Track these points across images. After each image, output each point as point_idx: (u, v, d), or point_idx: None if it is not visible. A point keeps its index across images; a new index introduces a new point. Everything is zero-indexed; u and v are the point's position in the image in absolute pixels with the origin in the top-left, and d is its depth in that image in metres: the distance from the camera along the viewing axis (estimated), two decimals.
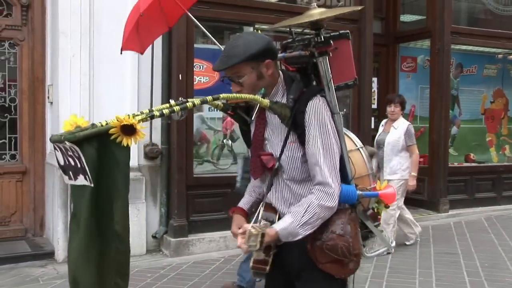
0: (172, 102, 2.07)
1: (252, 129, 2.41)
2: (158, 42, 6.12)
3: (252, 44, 2.22)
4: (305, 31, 2.46)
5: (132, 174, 5.91)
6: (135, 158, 6.03)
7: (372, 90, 8.12)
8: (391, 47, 9.01)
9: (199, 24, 3.62)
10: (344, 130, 2.54)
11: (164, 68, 6.22)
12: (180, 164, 6.14)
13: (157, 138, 6.19)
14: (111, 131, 1.92)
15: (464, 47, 9.03)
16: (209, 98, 2.13)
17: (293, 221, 2.15)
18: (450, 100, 8.65)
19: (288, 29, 2.54)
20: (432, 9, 8.33)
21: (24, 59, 6.29)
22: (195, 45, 6.35)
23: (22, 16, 6.22)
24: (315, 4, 2.41)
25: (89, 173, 1.94)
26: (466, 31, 8.72)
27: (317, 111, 2.20)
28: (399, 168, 6.17)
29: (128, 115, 1.95)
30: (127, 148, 1.96)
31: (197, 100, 2.10)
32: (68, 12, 5.79)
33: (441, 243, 6.72)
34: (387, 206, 2.54)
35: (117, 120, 1.91)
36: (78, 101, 5.69)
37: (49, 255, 5.86)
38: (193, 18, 3.63)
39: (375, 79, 8.55)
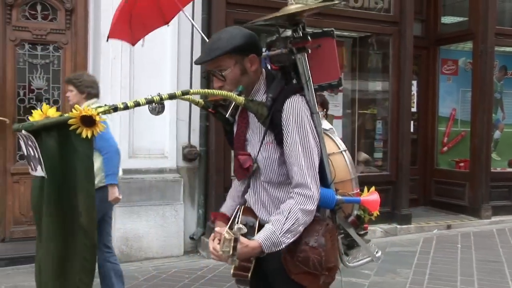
0: (148, 97, 2.02)
1: (235, 129, 2.32)
2: (197, 43, 6.14)
3: (236, 37, 2.13)
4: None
5: (170, 176, 6.04)
6: (174, 159, 6.10)
7: (412, 93, 8.00)
8: (431, 49, 8.85)
9: (195, 25, 3.54)
10: (329, 132, 2.48)
11: (203, 69, 6.24)
12: (218, 166, 6.16)
13: (195, 140, 6.24)
14: (70, 121, 1.86)
15: (508, 49, 8.79)
16: (178, 92, 2.04)
17: (274, 230, 2.02)
18: (493, 104, 8.42)
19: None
20: (475, 10, 8.13)
21: (67, 62, 6.42)
22: None
23: (66, 20, 6.36)
24: (293, 0, 2.31)
25: (43, 164, 1.89)
26: (511, 32, 8.48)
27: (295, 110, 2.11)
28: None
29: (95, 108, 1.90)
30: (88, 140, 1.89)
31: (165, 95, 1.99)
32: (110, 15, 5.83)
33: (484, 250, 6.53)
34: (371, 214, 2.42)
35: (77, 111, 1.86)
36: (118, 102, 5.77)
37: None
38: (188, 17, 3.52)
39: (414, 82, 8.42)
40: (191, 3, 3.93)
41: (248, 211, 2.26)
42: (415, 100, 8.61)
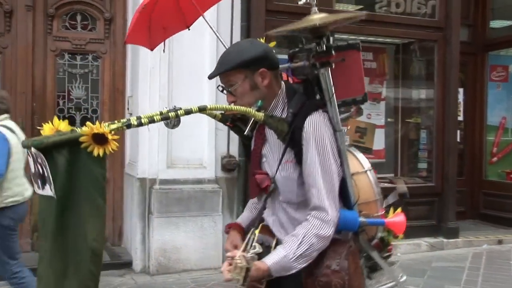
0: (163, 110, 1.98)
1: (252, 144, 2.28)
2: None
3: (245, 51, 2.10)
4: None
5: (209, 186, 6.07)
6: (212, 170, 6.13)
7: (458, 101, 7.86)
8: (479, 55, 8.68)
9: (213, 29, 3.50)
10: (352, 149, 2.40)
11: None
12: None
13: (234, 150, 6.26)
14: (81, 139, 1.82)
15: None
16: (195, 108, 2.00)
17: (286, 254, 1.98)
18: None
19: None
20: None
21: (106, 71, 6.58)
22: None
23: (105, 30, 6.52)
24: (316, 8, 2.22)
25: (52, 184, 1.85)
26: None
27: (316, 127, 2.05)
28: None
29: (104, 123, 1.85)
30: (101, 158, 1.84)
31: (181, 111, 1.97)
32: None
33: None
34: (396, 236, 2.35)
35: (88, 128, 1.81)
36: (157, 111, 5.86)
37: (127, 265, 6.04)
38: (208, 23, 3.48)
39: (461, 90, 8.27)
40: (217, 6, 3.84)
41: (266, 229, 2.22)
42: (461, 109, 8.44)
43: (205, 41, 5.97)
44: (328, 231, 2.02)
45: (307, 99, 2.17)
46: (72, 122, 6.40)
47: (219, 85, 2.20)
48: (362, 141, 7.54)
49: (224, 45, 2.86)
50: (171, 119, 1.97)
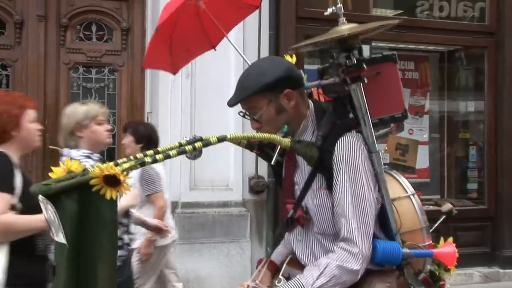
0: (183, 141, 1.97)
1: (283, 171, 2.28)
2: None
3: (266, 72, 2.08)
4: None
5: (235, 210, 6.05)
6: (239, 192, 6.12)
7: None
8: None
9: (237, 49, 3.50)
10: (393, 173, 2.36)
11: None
12: None
13: (263, 171, 6.23)
14: (92, 182, 1.84)
15: None
16: (213, 139, 1.96)
17: (303, 283, 1.97)
18: None
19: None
20: None
21: (123, 85, 6.60)
22: (305, 66, 6.38)
23: (122, 41, 6.56)
24: (344, 18, 2.24)
25: (63, 231, 1.87)
26: None
27: (348, 150, 2.03)
28: (139, 231, 4.39)
29: (115, 163, 1.86)
30: (113, 201, 1.86)
31: (198, 143, 1.94)
32: None
33: None
34: (447, 269, 2.30)
35: (99, 170, 1.83)
36: (178, 128, 5.88)
37: None
38: (232, 43, 3.49)
39: None
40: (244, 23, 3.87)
41: (295, 262, 2.22)
42: None
43: (230, 52, 5.98)
44: (355, 265, 1.98)
45: (338, 118, 2.15)
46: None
47: (240, 111, 2.18)
48: (404, 159, 7.46)
49: (247, 62, 2.87)
50: (191, 152, 1.98)
